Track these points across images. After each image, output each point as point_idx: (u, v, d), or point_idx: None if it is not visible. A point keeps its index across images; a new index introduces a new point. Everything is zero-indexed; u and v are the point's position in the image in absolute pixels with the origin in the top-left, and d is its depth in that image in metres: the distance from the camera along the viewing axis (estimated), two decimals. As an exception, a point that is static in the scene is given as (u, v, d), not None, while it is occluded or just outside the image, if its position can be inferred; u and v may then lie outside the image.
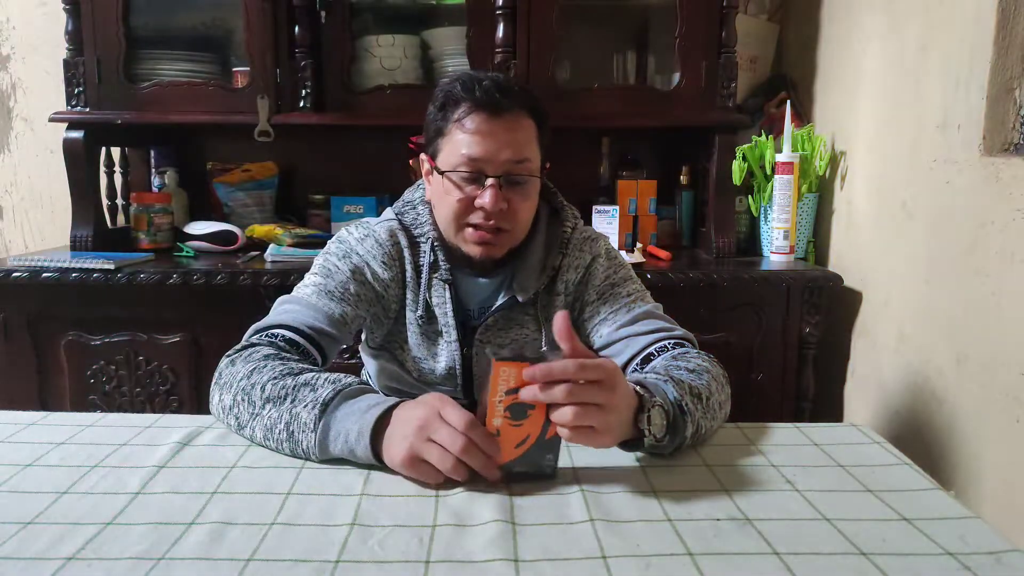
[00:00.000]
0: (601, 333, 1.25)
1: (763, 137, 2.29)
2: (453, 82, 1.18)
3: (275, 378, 1.00)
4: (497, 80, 1.15)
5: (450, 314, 1.24)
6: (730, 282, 2.05)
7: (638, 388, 0.95)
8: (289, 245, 2.22)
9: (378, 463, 0.94)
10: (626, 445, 0.97)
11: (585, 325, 1.28)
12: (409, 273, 1.25)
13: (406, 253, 1.24)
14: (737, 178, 2.25)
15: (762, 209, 2.33)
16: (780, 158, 2.19)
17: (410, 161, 2.31)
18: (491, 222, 1.17)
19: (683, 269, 2.09)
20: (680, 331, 1.22)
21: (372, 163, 2.60)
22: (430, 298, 1.24)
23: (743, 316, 2.10)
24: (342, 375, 1.01)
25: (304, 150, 2.62)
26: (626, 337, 1.22)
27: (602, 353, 1.25)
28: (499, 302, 1.25)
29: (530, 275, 1.25)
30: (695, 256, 2.36)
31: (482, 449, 0.87)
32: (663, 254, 2.29)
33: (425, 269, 1.24)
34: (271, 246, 2.24)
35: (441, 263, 1.24)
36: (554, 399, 0.86)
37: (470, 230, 1.19)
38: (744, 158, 2.27)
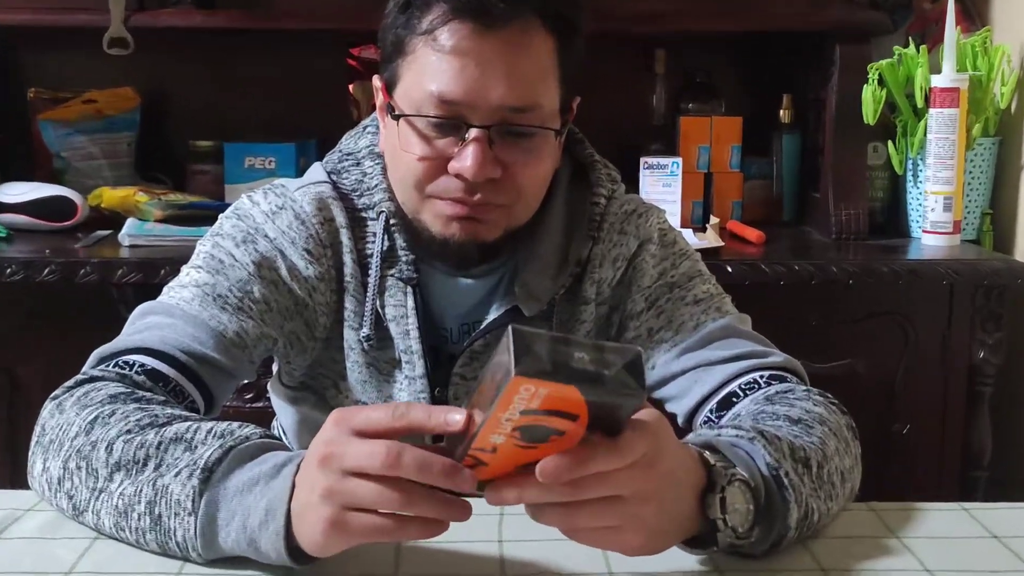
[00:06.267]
0: (654, 363, 1.20)
1: (911, 48, 2.06)
2: None
3: (129, 432, 0.93)
4: None
5: (414, 334, 1.18)
6: (859, 278, 1.86)
7: (705, 453, 0.87)
8: (158, 220, 2.01)
9: (294, 562, 0.84)
10: (693, 543, 0.88)
11: None
12: (349, 268, 1.19)
13: (344, 236, 1.19)
14: (870, 114, 2.01)
15: (909, 163, 2.12)
16: (938, 81, 1.97)
17: (350, 87, 2.18)
18: (476, 196, 1.10)
19: (783, 258, 1.90)
20: (779, 357, 1.17)
21: (290, 91, 2.35)
22: (383, 308, 1.19)
23: (879, 333, 1.93)
24: (235, 423, 0.94)
25: (182, 70, 2.38)
26: (694, 368, 1.17)
27: (658, 394, 1.22)
28: (492, 316, 1.19)
29: (542, 274, 1.20)
30: (803, 237, 2.17)
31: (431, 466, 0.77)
32: (753, 234, 2.07)
33: (375, 262, 1.18)
34: (129, 222, 2.01)
35: (400, 252, 1.17)
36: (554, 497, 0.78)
37: (441, 202, 1.12)
38: (881, 82, 2.03)
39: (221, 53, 2.34)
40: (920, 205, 2.09)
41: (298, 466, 0.84)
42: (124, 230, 1.96)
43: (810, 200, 2.24)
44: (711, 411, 1.13)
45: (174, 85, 2.39)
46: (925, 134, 2.02)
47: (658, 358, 1.19)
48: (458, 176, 1.08)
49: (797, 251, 2.00)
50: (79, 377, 1.04)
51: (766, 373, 1.13)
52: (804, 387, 1.11)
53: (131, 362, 1.06)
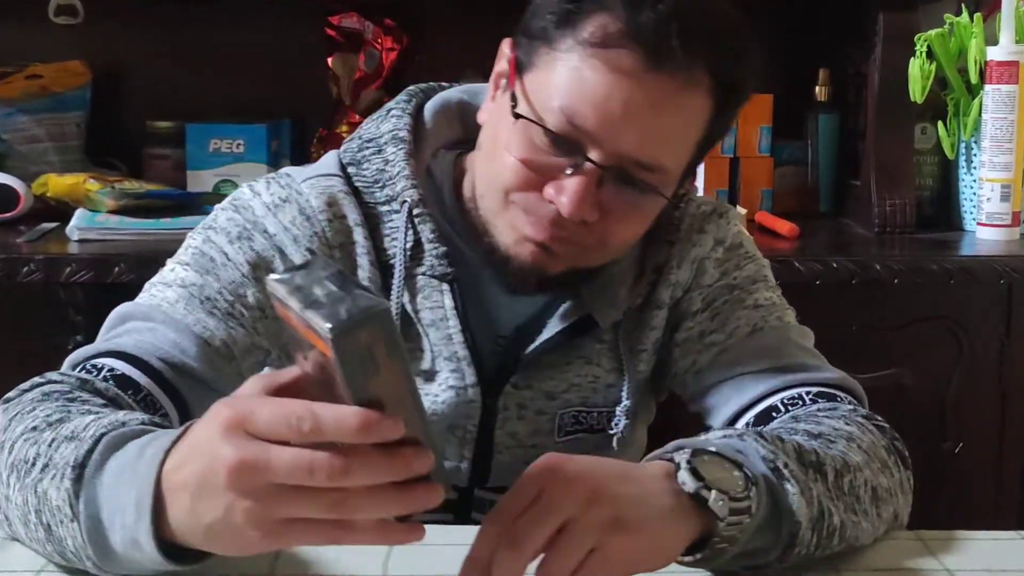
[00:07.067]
0: (699, 367, 1.19)
1: (964, 17, 2.07)
2: None
3: (34, 429, 0.91)
4: (683, 4, 1.00)
5: (459, 338, 1.16)
6: (905, 277, 1.89)
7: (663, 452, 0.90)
8: (111, 211, 1.99)
9: (174, 562, 0.77)
10: (695, 552, 0.85)
11: (674, 352, 1.22)
12: (365, 271, 1.16)
13: (359, 234, 1.16)
14: (918, 91, 2.03)
15: (962, 147, 2.12)
16: (995, 54, 1.99)
17: (329, 60, 2.13)
18: (562, 231, 1.06)
19: (820, 254, 1.92)
20: (833, 373, 1.14)
21: (261, 65, 2.32)
22: (416, 312, 1.16)
23: (928, 339, 1.95)
24: (122, 413, 0.90)
25: (138, 42, 2.32)
26: (737, 376, 1.15)
27: (697, 406, 1.22)
28: (553, 326, 1.17)
29: (620, 284, 1.19)
30: (841, 231, 2.19)
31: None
32: (785, 227, 2.07)
33: (399, 260, 1.15)
34: (78, 213, 1.98)
35: (428, 245, 1.14)
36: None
37: (524, 216, 1.07)
38: (930, 54, 2.04)
39: (183, 23, 2.29)
40: (974, 194, 2.06)
41: (165, 451, 0.78)
42: (73, 222, 1.93)
43: (850, 189, 2.22)
44: (747, 426, 1.11)
45: (129, 58, 2.33)
46: (980, 114, 2.00)
47: (704, 363, 1.19)
48: (552, 202, 1.06)
49: (835, 247, 2.02)
50: (36, 379, 1.02)
51: (813, 389, 1.11)
52: (851, 407, 1.09)
53: (100, 366, 1.05)
